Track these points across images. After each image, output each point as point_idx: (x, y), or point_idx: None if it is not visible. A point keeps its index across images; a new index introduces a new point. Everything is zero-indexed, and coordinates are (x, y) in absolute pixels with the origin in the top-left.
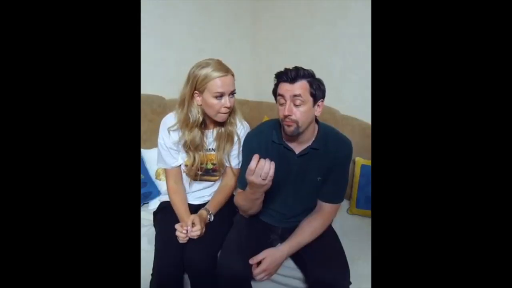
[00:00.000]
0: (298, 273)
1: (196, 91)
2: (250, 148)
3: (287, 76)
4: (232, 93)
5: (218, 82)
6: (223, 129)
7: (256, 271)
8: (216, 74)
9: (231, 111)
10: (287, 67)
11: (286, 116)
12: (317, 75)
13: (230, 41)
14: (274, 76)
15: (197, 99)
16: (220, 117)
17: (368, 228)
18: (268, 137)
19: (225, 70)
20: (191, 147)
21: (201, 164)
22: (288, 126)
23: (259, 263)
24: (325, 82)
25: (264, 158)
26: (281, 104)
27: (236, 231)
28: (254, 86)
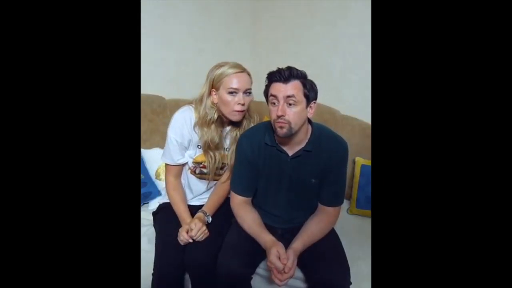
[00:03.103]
0: (299, 273)
1: (213, 89)
2: (242, 150)
3: (280, 75)
4: (247, 91)
5: (233, 78)
6: (238, 132)
7: (290, 265)
8: (231, 70)
9: (248, 114)
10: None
11: (279, 117)
12: (317, 75)
13: (230, 41)
14: (266, 76)
15: (214, 97)
16: (234, 116)
17: (368, 228)
18: (260, 139)
19: (241, 68)
20: (211, 145)
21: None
22: (281, 127)
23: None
24: (325, 82)
25: (256, 159)
26: (273, 105)
27: (236, 232)
28: (254, 86)
